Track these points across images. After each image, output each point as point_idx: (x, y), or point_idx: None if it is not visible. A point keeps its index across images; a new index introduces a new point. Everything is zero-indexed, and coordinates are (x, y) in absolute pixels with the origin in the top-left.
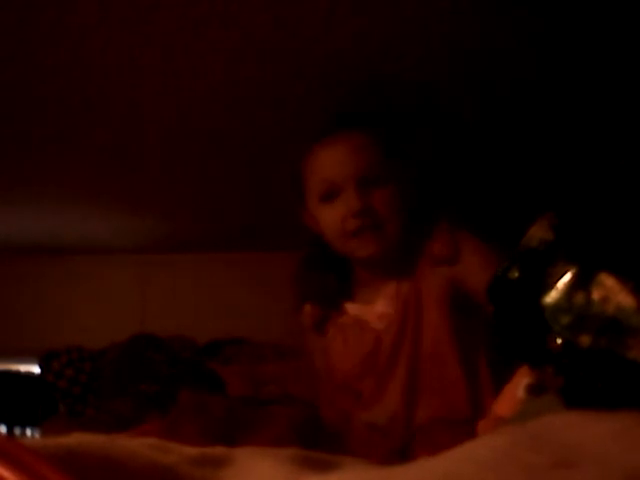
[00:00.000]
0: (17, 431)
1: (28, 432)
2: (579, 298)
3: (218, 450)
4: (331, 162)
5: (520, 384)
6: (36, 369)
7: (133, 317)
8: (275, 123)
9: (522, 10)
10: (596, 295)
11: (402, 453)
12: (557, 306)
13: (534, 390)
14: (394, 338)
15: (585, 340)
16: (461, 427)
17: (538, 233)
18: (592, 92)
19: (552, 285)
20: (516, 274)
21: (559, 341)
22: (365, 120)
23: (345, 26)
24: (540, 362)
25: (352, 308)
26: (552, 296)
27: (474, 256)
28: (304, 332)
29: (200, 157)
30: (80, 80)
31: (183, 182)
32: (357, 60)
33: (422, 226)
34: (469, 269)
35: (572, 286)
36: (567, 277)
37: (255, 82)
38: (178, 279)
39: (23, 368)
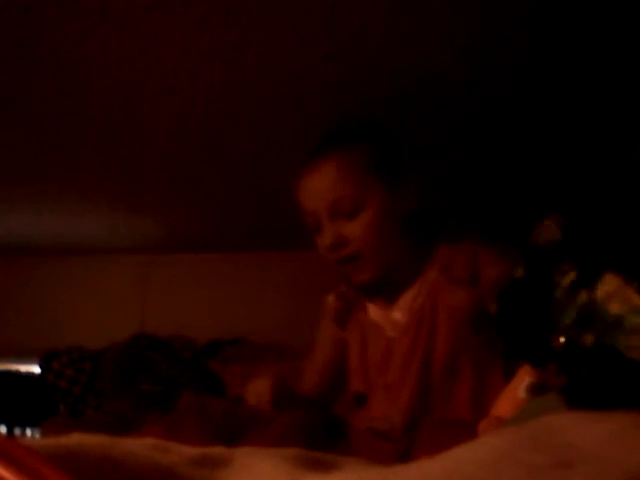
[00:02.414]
0: (17, 431)
1: (28, 432)
2: (583, 297)
3: (218, 450)
4: (308, 195)
5: (521, 384)
6: (36, 369)
7: (133, 317)
8: (275, 123)
9: (522, 10)
10: (600, 294)
11: (403, 454)
12: (561, 305)
13: (535, 390)
14: (406, 350)
15: (588, 339)
16: (462, 428)
17: (545, 233)
18: (596, 92)
19: (557, 284)
20: (521, 273)
21: (562, 340)
22: (353, 136)
23: (345, 26)
24: (543, 361)
25: (373, 310)
26: (557, 295)
27: (497, 275)
28: (321, 320)
29: (200, 157)
30: (80, 80)
31: (183, 182)
32: (357, 60)
33: (432, 238)
34: (489, 291)
35: (576, 285)
36: (572, 276)
37: (255, 82)
38: (178, 279)
39: (23, 368)
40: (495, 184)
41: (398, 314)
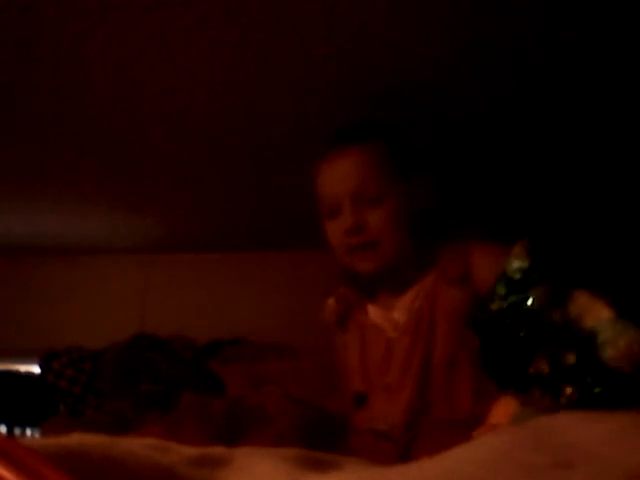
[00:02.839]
0: (17, 431)
1: (28, 432)
2: (557, 316)
3: (218, 450)
4: (330, 179)
5: None
6: (36, 369)
7: (133, 317)
8: (275, 123)
9: (522, 10)
10: (573, 311)
11: (403, 454)
12: (538, 328)
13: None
14: (406, 350)
15: (570, 358)
16: (462, 428)
17: (515, 263)
18: (596, 93)
19: (531, 309)
20: (497, 305)
21: (545, 363)
22: (368, 134)
23: (345, 26)
24: (526, 387)
25: (373, 311)
26: (532, 319)
27: (489, 272)
28: (328, 326)
29: (200, 157)
30: (80, 80)
31: (183, 182)
32: (357, 60)
33: (435, 240)
34: (484, 285)
35: (549, 306)
36: (544, 298)
37: (255, 82)
38: (178, 279)
39: (23, 368)
40: (494, 184)
41: (398, 314)
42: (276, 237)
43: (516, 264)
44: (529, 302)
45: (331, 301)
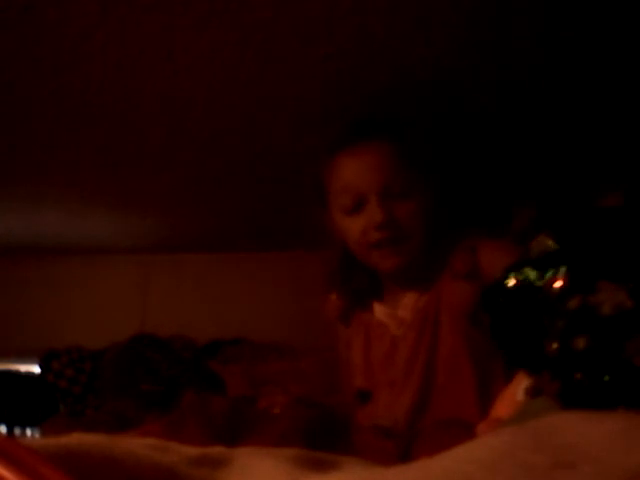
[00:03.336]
0: (17, 431)
1: (28, 432)
2: (575, 302)
3: (218, 450)
4: (355, 172)
5: (519, 386)
6: (36, 369)
7: (133, 317)
8: (275, 123)
9: (523, 9)
10: (592, 299)
11: (405, 454)
12: (553, 310)
13: (533, 392)
14: (410, 347)
15: (581, 342)
16: (463, 428)
17: (538, 246)
18: (598, 90)
19: (548, 291)
20: (513, 282)
21: (555, 345)
22: (386, 129)
23: (345, 26)
24: (538, 368)
25: (379, 309)
26: (548, 301)
27: (499, 267)
28: (330, 322)
29: (200, 157)
30: (80, 80)
31: (183, 182)
32: (357, 60)
33: (444, 238)
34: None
35: (568, 291)
36: (563, 282)
37: (255, 82)
38: (178, 279)
39: (23, 368)
40: (496, 183)
41: (403, 312)
42: (276, 237)
43: (539, 248)
44: (547, 278)
45: (333, 296)
